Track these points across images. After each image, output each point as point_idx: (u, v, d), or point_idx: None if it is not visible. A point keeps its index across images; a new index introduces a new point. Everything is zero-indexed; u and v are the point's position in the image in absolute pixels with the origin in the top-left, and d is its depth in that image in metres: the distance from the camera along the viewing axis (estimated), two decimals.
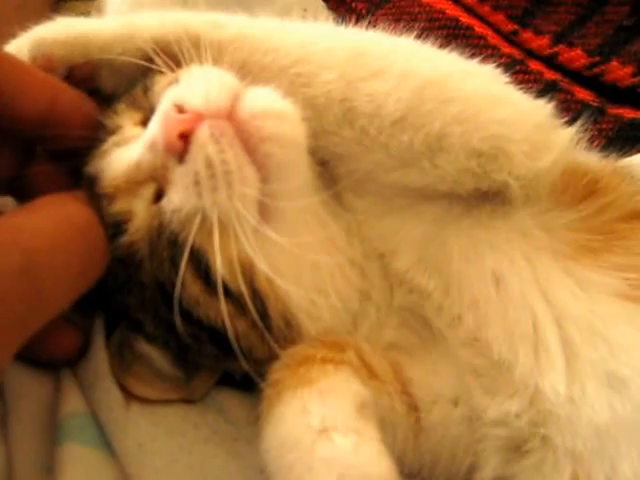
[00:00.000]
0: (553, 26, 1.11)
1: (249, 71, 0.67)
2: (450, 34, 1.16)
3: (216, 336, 0.63)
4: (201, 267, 0.60)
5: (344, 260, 0.69)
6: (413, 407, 0.66)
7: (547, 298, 0.63)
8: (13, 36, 0.70)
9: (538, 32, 1.11)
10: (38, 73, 0.67)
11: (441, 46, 0.70)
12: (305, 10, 1.05)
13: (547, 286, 0.64)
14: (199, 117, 0.59)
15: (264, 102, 0.62)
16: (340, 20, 1.17)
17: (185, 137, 0.59)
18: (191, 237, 0.59)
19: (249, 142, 0.60)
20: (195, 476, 0.66)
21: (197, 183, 0.59)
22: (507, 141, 0.63)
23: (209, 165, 0.59)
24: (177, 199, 0.60)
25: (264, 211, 0.62)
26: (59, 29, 0.69)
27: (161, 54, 0.68)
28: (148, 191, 0.63)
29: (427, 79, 0.64)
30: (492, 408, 0.63)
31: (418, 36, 0.70)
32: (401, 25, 1.18)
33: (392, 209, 0.69)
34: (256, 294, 0.62)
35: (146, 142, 0.62)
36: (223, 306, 0.60)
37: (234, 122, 0.60)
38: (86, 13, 1.10)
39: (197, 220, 0.59)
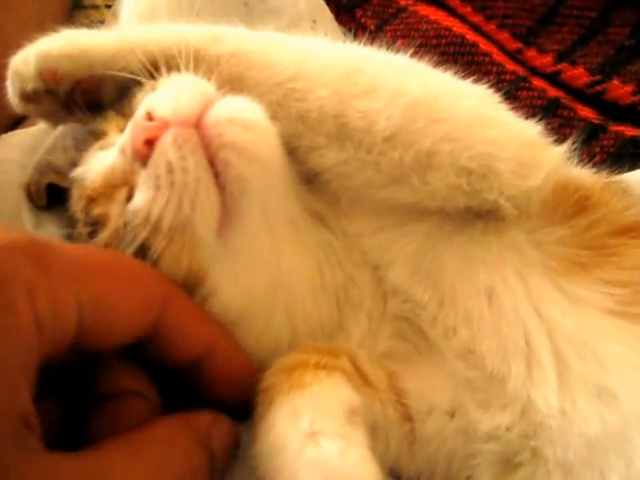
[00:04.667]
0: (556, 45, 1.12)
1: (245, 85, 0.68)
2: (456, 51, 1.18)
3: None
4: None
5: (317, 277, 0.70)
6: (407, 417, 0.66)
7: (539, 313, 0.64)
8: (31, 41, 0.72)
9: (542, 50, 1.12)
10: (201, 315, 0.62)
11: (440, 64, 0.71)
12: (314, 22, 1.06)
13: (539, 302, 0.64)
14: (165, 125, 0.61)
15: (231, 110, 0.63)
16: (348, 33, 1.20)
17: (151, 143, 0.61)
18: (143, 237, 0.61)
19: (210, 149, 0.61)
20: None
21: (157, 187, 0.60)
22: (495, 160, 0.64)
23: (169, 171, 0.60)
24: (137, 199, 0.62)
25: (225, 217, 0.62)
26: (64, 43, 0.71)
27: (154, 71, 0.69)
28: (121, 194, 0.64)
29: (419, 98, 0.65)
30: (485, 422, 0.64)
31: (415, 54, 0.71)
32: (408, 41, 1.21)
33: (385, 225, 0.70)
34: None
35: (119, 148, 0.64)
36: None
37: (200, 129, 0.61)
38: (101, 21, 1.13)
39: (150, 222, 0.60)
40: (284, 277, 0.67)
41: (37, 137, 0.86)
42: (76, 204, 0.69)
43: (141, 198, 0.61)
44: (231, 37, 0.71)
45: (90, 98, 0.74)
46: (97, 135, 0.71)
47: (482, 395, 0.65)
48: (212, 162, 0.61)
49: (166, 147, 0.60)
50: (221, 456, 0.59)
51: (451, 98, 0.67)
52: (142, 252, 0.61)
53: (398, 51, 0.71)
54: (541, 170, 0.66)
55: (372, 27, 1.25)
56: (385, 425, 0.66)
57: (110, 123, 0.71)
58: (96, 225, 0.65)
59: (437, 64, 0.71)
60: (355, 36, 0.76)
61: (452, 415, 0.67)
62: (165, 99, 0.63)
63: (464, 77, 0.71)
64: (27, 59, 0.71)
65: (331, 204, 0.72)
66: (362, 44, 0.73)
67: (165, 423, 0.57)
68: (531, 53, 1.13)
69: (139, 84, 0.70)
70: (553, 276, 0.65)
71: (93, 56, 0.71)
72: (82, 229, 0.66)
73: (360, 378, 0.66)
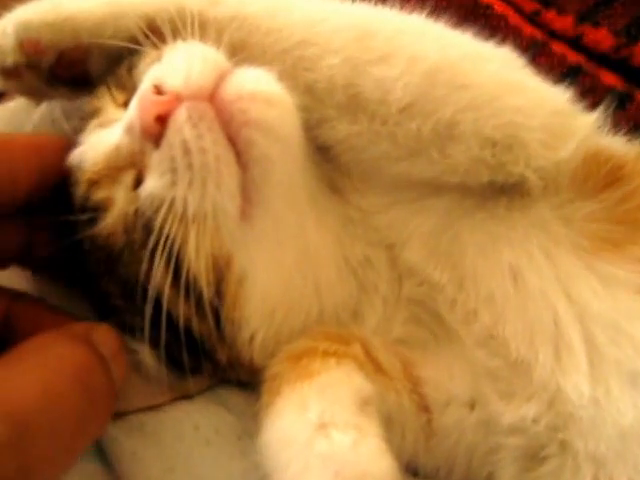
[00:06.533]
0: (577, 4, 1.06)
1: (249, 53, 0.63)
2: (469, 13, 1.11)
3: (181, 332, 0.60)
4: (171, 260, 0.57)
5: (339, 252, 0.66)
6: (424, 407, 0.63)
7: (568, 295, 0.60)
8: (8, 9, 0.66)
9: (561, 11, 1.06)
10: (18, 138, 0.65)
11: (456, 25, 0.66)
12: None
13: (568, 282, 0.60)
14: (177, 98, 0.56)
15: (252, 84, 0.58)
16: None
17: (162, 120, 0.56)
18: (163, 225, 0.56)
19: (230, 126, 0.56)
20: None
21: (173, 170, 0.56)
22: (522, 129, 0.59)
23: (186, 151, 0.55)
24: (152, 185, 0.57)
25: (247, 198, 0.58)
26: (46, 10, 0.65)
27: (152, 35, 0.64)
28: (128, 177, 0.60)
29: (438, 63, 0.60)
30: (508, 414, 0.60)
31: (431, 14, 0.66)
32: (415, 1, 1.14)
33: (400, 200, 0.66)
34: (219, 295, 0.59)
35: (124, 125, 0.59)
36: (181, 304, 0.58)
37: (216, 104, 0.56)
38: None
39: (171, 208, 0.56)
40: (310, 252, 0.64)
41: (16, 113, 0.80)
42: (74, 190, 0.63)
43: (156, 183, 0.57)
44: None
45: (75, 71, 0.68)
46: (92, 113, 0.65)
47: (505, 385, 0.61)
48: (232, 140, 0.56)
49: (181, 124, 0.55)
50: (113, 356, 0.59)
51: (473, 62, 0.61)
52: (161, 241, 0.56)
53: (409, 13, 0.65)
54: (571, 140, 0.61)
55: None
56: (400, 416, 0.62)
57: (103, 98, 0.66)
58: (97, 211, 0.60)
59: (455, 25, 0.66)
60: None
61: (472, 406, 0.63)
62: (174, 70, 0.57)
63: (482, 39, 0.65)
64: (5, 30, 0.65)
65: (345, 176, 0.67)
66: (373, 4, 0.67)
67: (42, 335, 0.57)
68: (550, 15, 1.07)
69: (132, 53, 0.65)
70: (583, 254, 0.60)
71: (79, 23, 0.65)
72: (81, 216, 0.61)
73: (373, 366, 0.62)
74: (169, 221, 0.56)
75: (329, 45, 0.61)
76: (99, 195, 0.61)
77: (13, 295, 0.66)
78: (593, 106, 0.68)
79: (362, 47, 0.61)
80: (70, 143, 0.66)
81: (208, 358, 0.63)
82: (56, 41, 0.65)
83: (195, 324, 0.60)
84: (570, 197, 0.62)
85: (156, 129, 0.56)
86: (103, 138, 0.62)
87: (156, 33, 0.64)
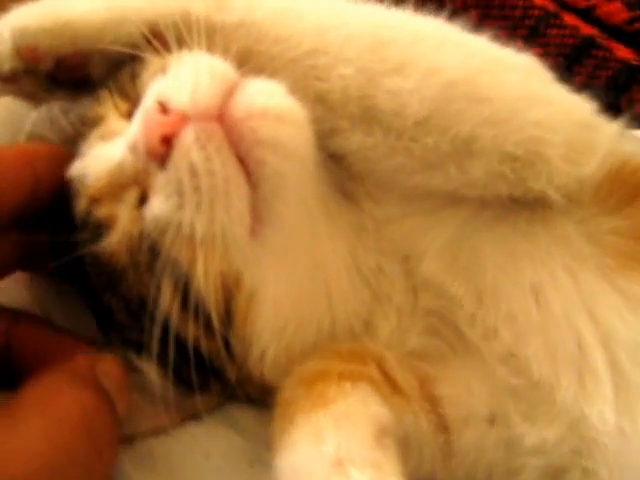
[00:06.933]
0: None
1: (257, 60, 0.60)
2: None
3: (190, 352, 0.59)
4: (179, 281, 0.55)
5: (351, 261, 0.64)
6: (442, 427, 0.61)
7: (593, 316, 0.58)
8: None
9: None
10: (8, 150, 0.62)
11: (475, 25, 0.62)
12: None
13: (592, 303, 0.58)
14: (184, 118, 0.53)
15: (263, 99, 0.55)
16: None
17: (168, 141, 0.53)
18: (171, 248, 0.54)
19: (240, 145, 0.53)
20: None
21: (180, 193, 0.53)
22: (545, 144, 0.56)
23: (193, 174, 0.53)
24: (158, 207, 0.55)
25: (257, 217, 0.56)
26: (43, 15, 0.61)
27: (154, 41, 0.60)
28: (132, 195, 0.57)
29: (456, 75, 0.57)
30: (530, 435, 0.58)
31: (448, 17, 0.62)
32: None
33: (416, 211, 0.63)
34: (228, 314, 0.58)
35: (128, 143, 0.56)
36: (191, 326, 0.56)
37: (225, 123, 0.53)
38: None
39: (178, 231, 0.54)
40: (322, 263, 0.62)
41: (13, 111, 0.76)
42: (74, 203, 0.61)
43: (162, 205, 0.54)
44: (237, 2, 0.61)
45: (76, 75, 0.65)
46: (93, 121, 0.63)
47: (527, 404, 0.59)
48: (241, 158, 0.54)
49: (188, 146, 0.52)
50: (117, 389, 0.59)
51: (493, 74, 0.58)
52: (169, 265, 0.55)
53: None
54: (595, 155, 0.58)
55: None
56: (418, 437, 0.60)
57: (105, 105, 0.63)
58: (100, 228, 0.58)
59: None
60: None
61: (491, 422, 0.61)
62: (180, 86, 0.54)
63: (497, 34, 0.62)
64: (1, 35, 0.61)
65: (358, 183, 0.65)
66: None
67: (46, 378, 0.56)
68: None
69: (134, 58, 0.62)
70: (608, 272, 0.58)
71: (78, 29, 0.61)
72: (83, 235, 0.59)
73: (389, 386, 0.61)
74: (176, 244, 0.54)
75: (341, 54, 0.58)
76: (101, 212, 0.58)
77: (14, 316, 0.64)
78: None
79: (376, 57, 0.58)
80: (66, 153, 0.64)
81: (217, 376, 0.61)
82: (55, 47, 0.62)
83: (204, 343, 0.58)
84: (594, 212, 0.60)
85: (162, 150, 0.53)
86: (105, 152, 0.59)
87: (159, 38, 0.61)
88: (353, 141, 0.59)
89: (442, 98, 0.56)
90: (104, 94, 0.63)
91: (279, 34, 0.59)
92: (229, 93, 0.54)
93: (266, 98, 0.55)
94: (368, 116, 0.58)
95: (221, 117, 0.53)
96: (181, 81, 0.55)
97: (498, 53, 0.62)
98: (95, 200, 0.59)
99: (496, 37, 0.63)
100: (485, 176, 0.57)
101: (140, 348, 0.62)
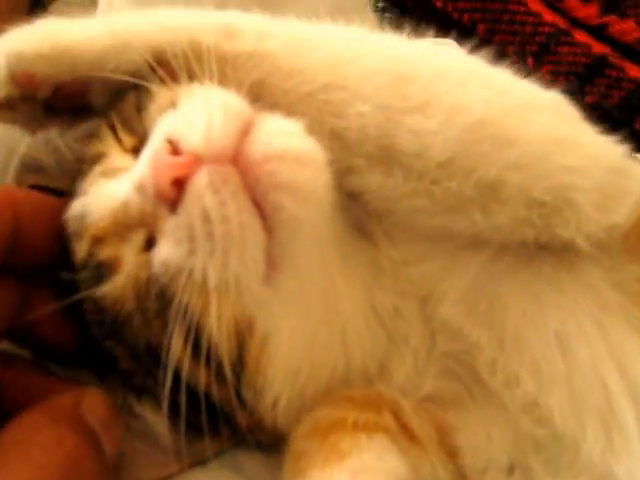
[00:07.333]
0: None
1: (269, 93, 0.56)
2: None
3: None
4: (191, 329, 0.52)
5: (366, 301, 0.61)
6: (460, 477, 0.59)
7: (621, 368, 0.55)
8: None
9: None
10: None
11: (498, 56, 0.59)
12: None
13: (620, 354, 0.55)
14: (196, 161, 0.49)
15: (280, 140, 0.51)
16: None
17: (179, 184, 0.49)
18: (182, 295, 0.51)
19: (257, 190, 0.50)
20: None
21: (192, 239, 0.50)
22: (574, 191, 0.54)
23: (206, 220, 0.49)
24: (167, 252, 0.51)
25: (272, 263, 0.53)
26: (41, 40, 0.58)
27: (160, 69, 0.57)
28: (138, 237, 0.54)
29: (482, 116, 0.54)
30: None
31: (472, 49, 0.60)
32: None
33: (435, 252, 0.60)
34: (240, 360, 0.55)
35: (134, 183, 0.53)
36: (202, 374, 0.54)
37: (241, 166, 0.50)
38: None
39: (190, 279, 0.51)
40: (337, 305, 0.59)
41: (8, 132, 0.72)
42: (75, 245, 0.57)
43: (172, 250, 0.51)
44: (248, 31, 0.58)
45: (75, 102, 0.62)
46: (93, 158, 0.59)
47: (550, 456, 0.57)
48: (257, 203, 0.51)
49: (201, 191, 0.49)
50: (103, 428, 0.56)
51: (521, 115, 0.55)
52: (180, 313, 0.51)
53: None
54: (627, 201, 0.55)
55: None
56: None
57: (107, 142, 0.59)
58: (102, 270, 0.55)
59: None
60: None
61: (511, 473, 0.59)
62: (192, 123, 0.51)
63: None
64: None
65: (375, 220, 0.62)
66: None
67: (26, 419, 0.54)
68: (573, 2, 1.01)
69: (137, 86, 0.58)
70: (636, 323, 0.56)
71: (78, 55, 0.58)
72: (84, 274, 0.56)
73: (406, 436, 0.58)
74: (187, 291, 0.51)
75: (359, 90, 0.55)
76: (105, 254, 0.55)
77: (5, 359, 0.61)
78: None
79: (397, 94, 0.54)
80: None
81: (227, 422, 0.58)
82: (53, 74, 0.58)
83: (214, 390, 0.55)
84: (623, 260, 0.57)
85: (172, 194, 0.50)
86: (109, 190, 0.55)
87: (164, 66, 0.57)
88: (371, 181, 0.56)
89: (467, 140, 0.53)
90: (104, 130, 0.60)
91: (292, 66, 0.56)
92: (244, 132, 0.51)
93: (284, 139, 0.51)
94: (387, 156, 0.55)
95: (236, 159, 0.50)
96: (193, 118, 0.51)
97: (525, 90, 0.59)
98: (98, 241, 0.55)
99: (519, 67, 0.60)
100: (511, 221, 0.55)
101: (141, 392, 0.60)
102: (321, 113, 0.55)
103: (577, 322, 0.56)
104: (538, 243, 0.57)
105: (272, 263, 0.53)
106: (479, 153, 0.54)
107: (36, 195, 0.62)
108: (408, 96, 0.54)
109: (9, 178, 0.73)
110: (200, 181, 0.49)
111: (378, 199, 0.58)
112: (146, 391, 0.60)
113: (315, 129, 0.54)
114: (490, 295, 0.59)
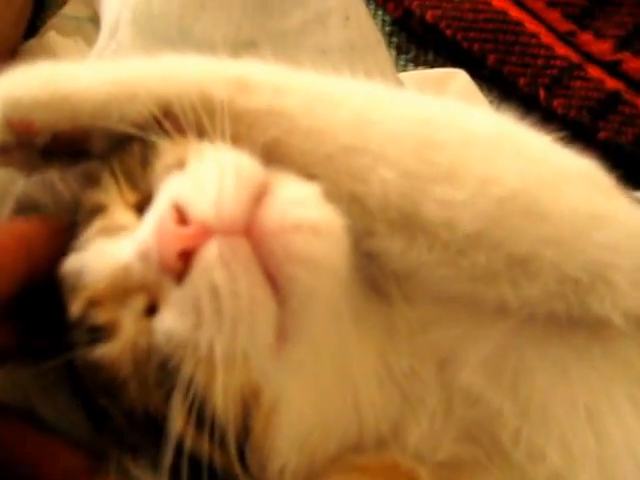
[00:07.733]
0: (616, 29, 0.98)
1: (286, 152, 0.53)
2: (498, 28, 1.04)
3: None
4: (194, 399, 0.49)
5: (381, 362, 0.58)
6: None
7: None
8: None
9: (599, 35, 0.99)
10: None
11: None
12: (347, 18, 0.85)
13: None
14: (205, 232, 0.46)
15: (296, 209, 0.48)
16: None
17: (186, 255, 0.46)
18: (185, 367, 0.48)
19: (270, 261, 0.47)
20: None
21: (198, 312, 0.46)
22: (611, 268, 0.51)
23: (215, 295, 0.46)
24: (171, 323, 0.48)
25: (282, 334, 0.50)
26: (40, 86, 0.54)
27: (166, 122, 0.54)
28: (138, 303, 0.50)
29: (515, 187, 0.51)
30: None
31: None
32: (440, 14, 1.04)
33: (457, 315, 0.57)
34: (246, 429, 0.52)
35: (137, 249, 0.49)
36: (206, 444, 0.50)
37: (254, 237, 0.46)
38: None
39: (195, 351, 0.48)
40: (350, 369, 0.56)
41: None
42: (69, 302, 0.54)
43: (176, 322, 0.48)
44: (264, 84, 0.54)
45: (74, 149, 0.58)
46: (93, 209, 0.56)
47: None
48: (269, 274, 0.47)
49: (210, 265, 0.45)
50: None
51: (555, 187, 0.52)
52: (184, 383, 0.48)
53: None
54: None
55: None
56: None
57: (109, 193, 0.56)
58: (97, 332, 0.52)
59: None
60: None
61: None
62: (201, 189, 0.47)
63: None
64: None
65: (392, 280, 0.58)
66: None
67: None
68: (586, 37, 1.00)
69: (141, 138, 0.55)
70: None
71: (78, 105, 0.54)
72: (79, 336, 0.53)
73: None
74: (192, 363, 0.48)
75: (382, 154, 0.51)
76: (101, 317, 0.51)
77: None
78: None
79: (424, 160, 0.51)
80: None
81: None
82: (52, 122, 0.55)
83: (217, 458, 0.52)
84: None
85: (178, 265, 0.46)
86: (109, 250, 0.52)
87: (171, 119, 0.54)
88: (392, 246, 0.53)
89: (497, 211, 0.50)
90: (106, 178, 0.56)
91: (311, 126, 0.53)
92: (257, 199, 0.47)
93: (300, 208, 0.48)
94: (411, 223, 0.52)
95: (249, 229, 0.46)
96: (202, 182, 0.48)
97: (559, 159, 0.55)
98: (94, 303, 0.52)
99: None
100: (541, 295, 0.52)
101: (136, 451, 0.56)
102: (339, 175, 0.52)
103: (610, 399, 0.54)
104: (570, 315, 0.54)
105: (283, 334, 0.50)
106: (510, 226, 0.51)
107: (49, 227, 0.59)
108: (435, 163, 0.51)
109: (3, 217, 0.69)
110: (209, 254, 0.45)
111: (398, 263, 0.55)
112: (142, 450, 0.56)
113: (333, 192, 0.51)
114: (515, 364, 0.56)
